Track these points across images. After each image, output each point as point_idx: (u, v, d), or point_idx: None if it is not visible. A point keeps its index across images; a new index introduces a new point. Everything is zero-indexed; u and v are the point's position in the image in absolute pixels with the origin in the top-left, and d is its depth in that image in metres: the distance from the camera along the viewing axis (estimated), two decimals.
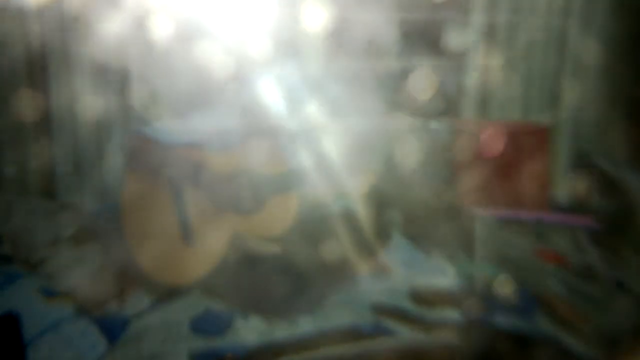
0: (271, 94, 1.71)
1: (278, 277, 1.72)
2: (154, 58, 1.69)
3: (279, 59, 1.71)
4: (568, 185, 2.45)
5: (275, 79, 1.72)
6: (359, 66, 1.96)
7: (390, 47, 2.08)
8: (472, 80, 2.41)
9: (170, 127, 1.77)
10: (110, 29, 1.71)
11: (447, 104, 2.23)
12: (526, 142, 2.26)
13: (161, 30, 1.68)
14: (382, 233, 1.90)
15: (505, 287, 1.78)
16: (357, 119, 1.83)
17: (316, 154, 1.74)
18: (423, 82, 2.13)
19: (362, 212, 1.79)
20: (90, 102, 2.15)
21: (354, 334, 1.60)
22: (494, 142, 2.16)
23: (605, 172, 2.31)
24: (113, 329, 1.59)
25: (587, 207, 2.27)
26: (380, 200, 1.94)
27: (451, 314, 1.69)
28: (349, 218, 1.82)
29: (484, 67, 2.40)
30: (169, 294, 1.72)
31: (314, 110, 1.74)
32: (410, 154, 2.08)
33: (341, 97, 1.80)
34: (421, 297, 1.77)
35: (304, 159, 1.73)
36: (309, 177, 1.73)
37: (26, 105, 2.07)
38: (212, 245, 1.74)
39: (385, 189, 1.98)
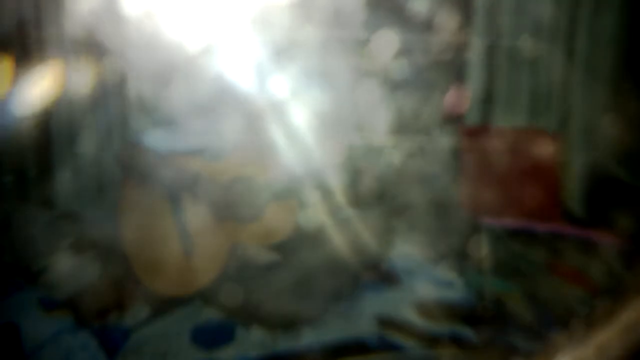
0: (241, 65, 1.75)
1: (280, 286, 1.73)
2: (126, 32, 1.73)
3: (247, 31, 1.75)
4: (584, 197, 2.45)
5: (243, 51, 1.75)
6: (327, 35, 1.98)
7: (356, 15, 2.10)
8: (476, 83, 2.47)
9: (166, 135, 1.81)
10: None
11: (416, 73, 2.25)
12: (533, 149, 2.26)
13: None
14: (359, 202, 1.89)
15: (519, 304, 1.78)
16: (327, 89, 1.85)
17: (287, 124, 1.76)
18: (390, 51, 2.15)
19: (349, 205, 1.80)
20: (89, 110, 2.23)
21: (358, 347, 1.61)
22: (500, 147, 2.18)
23: (625, 184, 2.30)
24: (113, 341, 1.62)
25: (606, 220, 2.25)
26: (354, 170, 1.95)
27: (461, 331, 1.67)
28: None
29: (489, 71, 2.44)
30: (169, 304, 1.74)
31: (284, 80, 1.78)
32: (379, 124, 2.10)
33: (310, 68, 1.83)
34: (428, 310, 1.76)
35: (275, 131, 1.76)
36: (281, 150, 1.75)
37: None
38: (212, 254, 1.76)
39: (358, 158, 2.00)
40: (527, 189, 2.18)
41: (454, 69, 2.40)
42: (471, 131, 2.44)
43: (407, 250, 2.03)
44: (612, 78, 2.42)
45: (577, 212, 2.42)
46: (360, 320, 1.72)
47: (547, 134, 2.45)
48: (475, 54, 2.43)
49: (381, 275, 1.91)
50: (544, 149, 2.30)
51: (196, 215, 1.77)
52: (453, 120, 2.33)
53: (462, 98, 2.27)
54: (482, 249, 1.99)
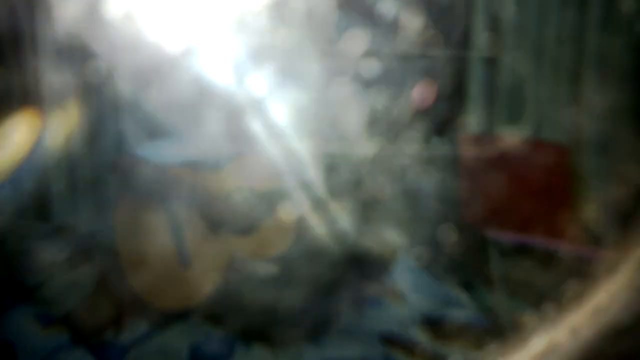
0: (220, 67, 1.80)
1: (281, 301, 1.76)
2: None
3: (224, 34, 1.81)
4: (605, 215, 2.41)
5: (222, 53, 1.81)
6: (301, 37, 2.05)
7: (328, 17, 2.16)
8: (477, 88, 2.50)
9: (163, 146, 1.85)
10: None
11: (384, 70, 2.31)
12: (541, 160, 2.25)
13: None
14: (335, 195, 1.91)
15: (528, 323, 1.76)
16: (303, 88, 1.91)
17: (266, 122, 1.80)
18: (360, 50, 2.21)
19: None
20: (83, 122, 2.28)
21: None
22: (504, 158, 2.18)
23: None
24: (111, 358, 1.66)
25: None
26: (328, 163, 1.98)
27: (473, 354, 1.66)
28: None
29: (490, 76, 2.48)
30: (167, 320, 1.76)
31: (261, 81, 1.83)
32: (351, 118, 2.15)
33: (285, 68, 1.89)
34: (435, 329, 1.77)
35: (255, 128, 1.79)
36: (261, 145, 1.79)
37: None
38: (210, 267, 1.79)
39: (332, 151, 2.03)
40: (537, 204, 2.16)
41: (422, 66, 2.47)
42: (474, 140, 2.45)
43: (412, 265, 2.04)
44: (635, 85, 2.40)
45: (599, 231, 2.39)
46: (365, 338, 1.73)
47: (556, 145, 2.44)
48: (475, 60, 2.47)
49: (385, 290, 1.92)
50: (553, 161, 2.29)
51: (193, 228, 1.81)
52: (422, 113, 2.38)
53: (429, 92, 2.34)
54: (491, 266, 2.00)
